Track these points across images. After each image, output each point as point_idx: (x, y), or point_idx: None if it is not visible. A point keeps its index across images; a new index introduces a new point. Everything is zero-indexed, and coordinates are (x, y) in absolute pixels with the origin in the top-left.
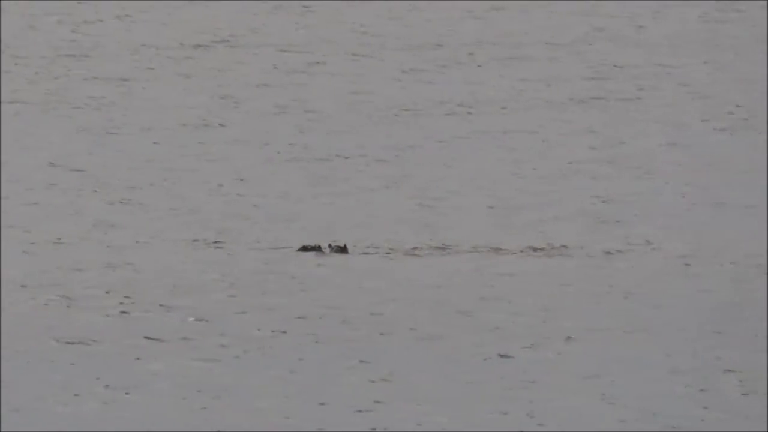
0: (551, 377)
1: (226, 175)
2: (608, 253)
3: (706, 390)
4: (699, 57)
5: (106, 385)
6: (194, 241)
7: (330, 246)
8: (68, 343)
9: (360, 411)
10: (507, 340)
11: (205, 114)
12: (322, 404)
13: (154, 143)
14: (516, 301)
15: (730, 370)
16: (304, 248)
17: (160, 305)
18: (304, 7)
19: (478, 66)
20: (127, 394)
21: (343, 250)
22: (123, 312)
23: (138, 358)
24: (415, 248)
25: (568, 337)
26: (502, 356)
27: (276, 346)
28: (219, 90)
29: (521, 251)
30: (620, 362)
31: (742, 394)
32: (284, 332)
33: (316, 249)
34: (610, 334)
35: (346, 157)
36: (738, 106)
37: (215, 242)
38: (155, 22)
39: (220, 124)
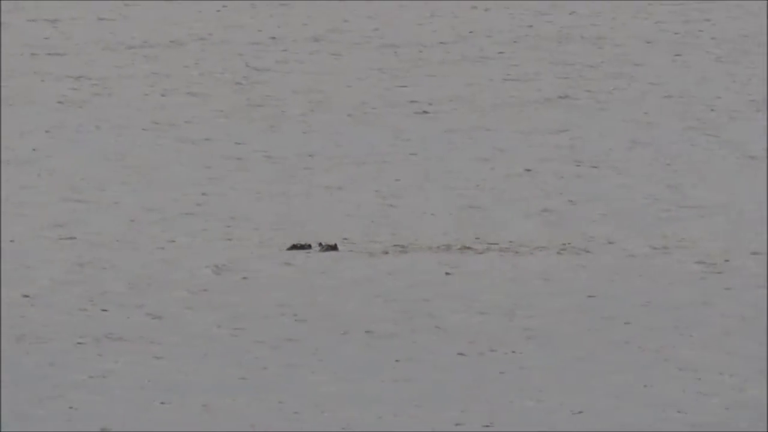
0: (513, 376)
1: (197, 173)
2: (572, 252)
3: (660, 389)
4: (668, 56)
5: (64, 382)
6: (159, 240)
7: (320, 245)
8: (26, 341)
9: (322, 411)
10: (468, 340)
11: (177, 112)
12: (281, 403)
13: (124, 141)
14: (479, 299)
15: (682, 369)
16: (294, 247)
17: (120, 303)
18: (281, 5)
19: (445, 65)
20: (84, 391)
21: (333, 248)
22: (81, 309)
23: (100, 355)
24: (378, 246)
25: (530, 336)
26: (460, 354)
27: (234, 344)
28: (191, 88)
29: (486, 250)
30: (581, 361)
31: (698, 392)
32: (243, 329)
33: (306, 248)
34: (572, 332)
35: (312, 156)
36: (708, 106)
37: (172, 241)
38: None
39: (188, 122)
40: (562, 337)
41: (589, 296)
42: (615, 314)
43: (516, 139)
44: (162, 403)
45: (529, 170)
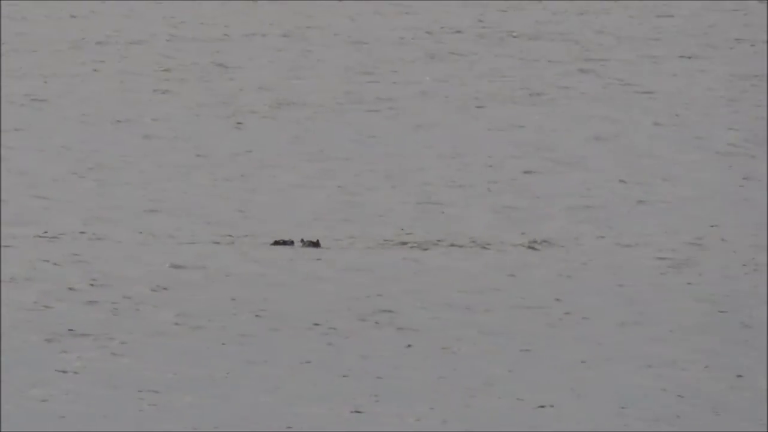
0: (472, 372)
1: (161, 170)
2: (535, 247)
3: (621, 384)
4: (635, 53)
5: (29, 379)
6: (122, 236)
7: (302, 241)
8: None
9: (270, 408)
10: (427, 336)
11: (144, 109)
12: (240, 399)
13: (90, 138)
14: (439, 295)
15: (649, 366)
16: (277, 243)
17: (82, 300)
18: (249, 3)
19: (412, 61)
20: (49, 386)
21: (315, 245)
22: (45, 306)
23: (64, 351)
24: (342, 243)
25: (489, 332)
26: (409, 346)
27: (193, 341)
28: (157, 85)
29: (449, 246)
30: (541, 356)
31: (659, 388)
32: (202, 327)
33: (289, 243)
34: (532, 328)
35: (278, 153)
36: (674, 102)
37: (135, 237)
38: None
39: (155, 120)
40: (521, 333)
41: (550, 292)
42: (575, 310)
43: (481, 135)
44: (132, 399)
45: (492, 166)
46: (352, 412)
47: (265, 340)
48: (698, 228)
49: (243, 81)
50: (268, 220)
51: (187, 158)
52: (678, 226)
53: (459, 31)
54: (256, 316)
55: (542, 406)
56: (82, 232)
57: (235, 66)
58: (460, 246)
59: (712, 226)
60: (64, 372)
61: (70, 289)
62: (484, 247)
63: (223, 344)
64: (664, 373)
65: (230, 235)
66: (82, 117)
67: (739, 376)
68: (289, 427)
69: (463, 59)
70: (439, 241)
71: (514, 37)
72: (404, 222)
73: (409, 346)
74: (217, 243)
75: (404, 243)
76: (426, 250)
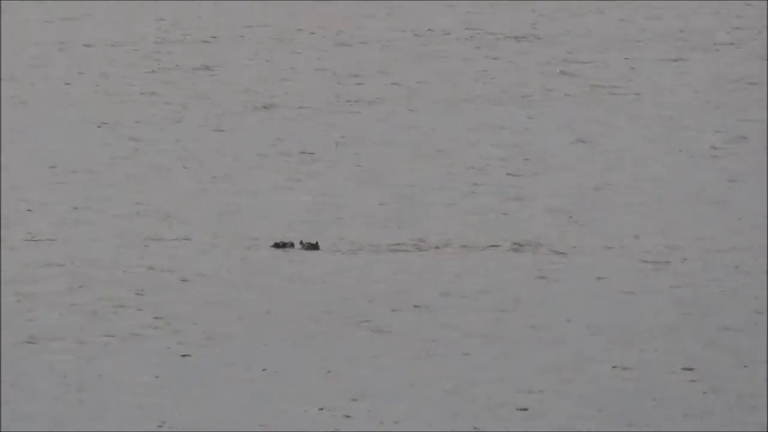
0: (450, 375)
1: (142, 172)
2: (514, 250)
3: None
4: (615, 54)
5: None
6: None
7: (302, 243)
8: None
9: (244, 411)
10: (404, 338)
11: (127, 111)
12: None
13: (74, 140)
14: (414, 297)
15: (623, 368)
16: (276, 245)
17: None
18: (236, 4)
19: (395, 61)
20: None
21: (314, 247)
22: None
23: (35, 353)
24: (321, 245)
25: (466, 335)
26: (396, 353)
27: (169, 343)
28: (143, 88)
29: (429, 248)
30: (517, 359)
31: (636, 390)
32: (179, 329)
33: (289, 246)
34: (510, 331)
35: (260, 155)
36: (657, 104)
37: (113, 239)
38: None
39: (138, 122)
40: (501, 334)
41: (532, 293)
42: (556, 312)
43: (463, 137)
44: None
45: (473, 168)
46: (329, 412)
47: (243, 342)
48: (684, 230)
49: (229, 83)
50: (249, 223)
51: (172, 161)
52: (660, 228)
53: (448, 32)
54: (237, 318)
55: (522, 409)
56: (57, 235)
57: (219, 66)
58: (442, 247)
59: (696, 229)
60: (39, 376)
61: (46, 293)
62: (466, 248)
63: (201, 347)
64: (642, 378)
65: (215, 236)
66: (66, 119)
67: (718, 380)
68: (262, 426)
69: (447, 60)
70: (420, 241)
71: (499, 39)
72: (387, 223)
73: (389, 347)
74: (198, 245)
75: (387, 244)
76: (407, 251)
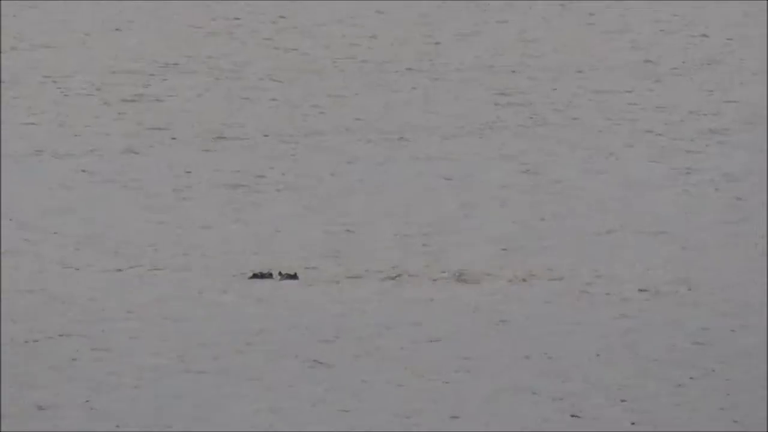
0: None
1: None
2: (522, 280)
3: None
4: (623, 84)
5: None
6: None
7: (280, 274)
8: None
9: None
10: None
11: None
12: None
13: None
14: (423, 328)
15: (623, 400)
16: (255, 276)
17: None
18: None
19: (402, 91)
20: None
21: (293, 277)
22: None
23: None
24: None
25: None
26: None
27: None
28: (135, 117)
29: (432, 279)
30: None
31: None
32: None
33: (267, 276)
34: (507, 362)
35: (262, 178)
36: (668, 134)
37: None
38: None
39: (134, 152)
40: (494, 366)
41: (529, 325)
42: (547, 342)
43: (473, 167)
44: None
45: (484, 197)
46: None
47: (228, 370)
48: (682, 262)
49: (177, 113)
50: (249, 253)
51: (122, 191)
52: (665, 259)
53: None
54: (237, 350)
55: None
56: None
57: (168, 96)
58: (451, 278)
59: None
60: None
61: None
62: (475, 280)
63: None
64: (637, 408)
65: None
66: (16, 152)
67: (720, 409)
68: None
69: (456, 89)
70: (429, 272)
71: (509, 66)
72: (395, 254)
73: (398, 383)
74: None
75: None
76: (417, 281)
